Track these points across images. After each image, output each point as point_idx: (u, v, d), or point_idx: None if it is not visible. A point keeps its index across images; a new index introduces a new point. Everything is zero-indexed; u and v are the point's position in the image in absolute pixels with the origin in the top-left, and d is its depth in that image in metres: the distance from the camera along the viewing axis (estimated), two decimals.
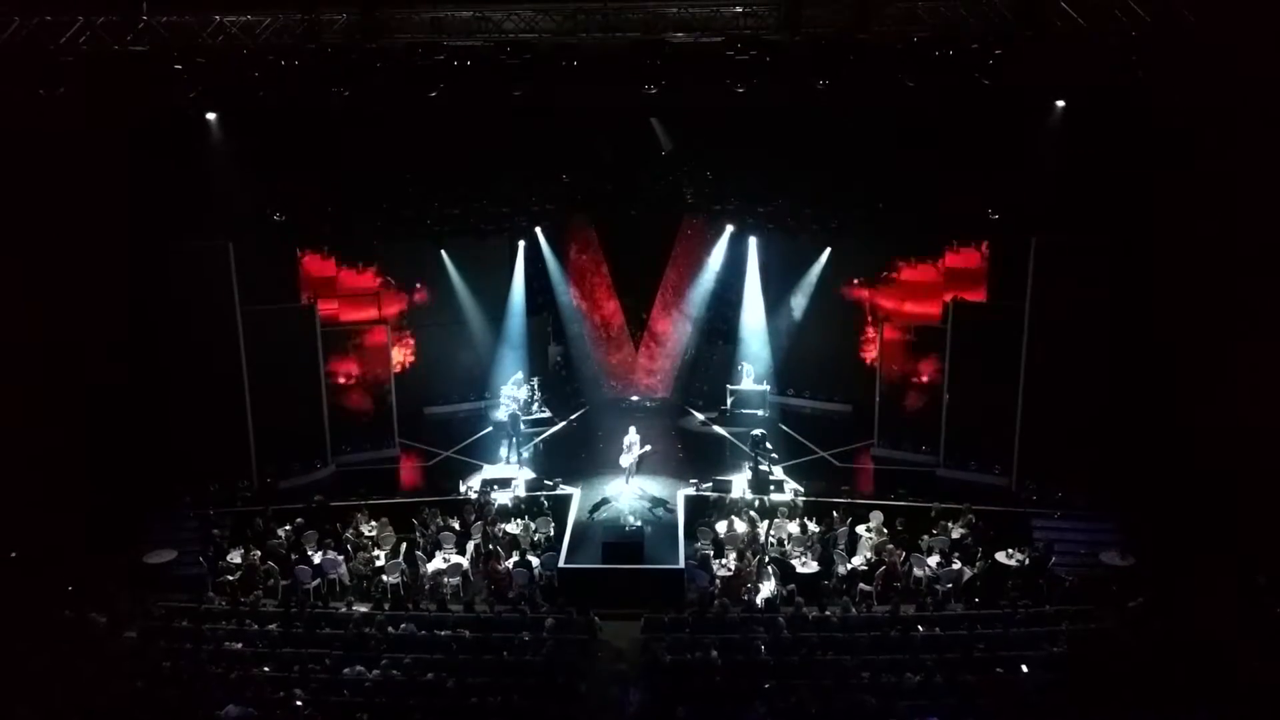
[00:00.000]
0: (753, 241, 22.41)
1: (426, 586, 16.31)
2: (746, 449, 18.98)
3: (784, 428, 21.26)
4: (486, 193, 20.73)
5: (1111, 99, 16.09)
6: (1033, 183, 17.67)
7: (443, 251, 21.81)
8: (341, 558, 16.61)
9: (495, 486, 18.46)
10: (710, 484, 18.56)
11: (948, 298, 19.86)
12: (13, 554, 15.77)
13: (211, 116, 17.84)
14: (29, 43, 14.30)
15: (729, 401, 22.02)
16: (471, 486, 18.71)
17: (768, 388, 22.08)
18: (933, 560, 16.33)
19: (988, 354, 18.93)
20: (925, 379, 20.04)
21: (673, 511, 17.91)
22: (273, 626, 14.34)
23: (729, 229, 22.22)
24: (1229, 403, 16.55)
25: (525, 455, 20.04)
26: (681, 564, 16.28)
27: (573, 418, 22.54)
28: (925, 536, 16.96)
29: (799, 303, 22.59)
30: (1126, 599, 14.76)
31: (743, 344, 22.79)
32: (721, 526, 17.17)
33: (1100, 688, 12.54)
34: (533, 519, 17.64)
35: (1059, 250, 17.89)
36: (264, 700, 12.22)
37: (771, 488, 18.11)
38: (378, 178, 19.74)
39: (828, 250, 21.79)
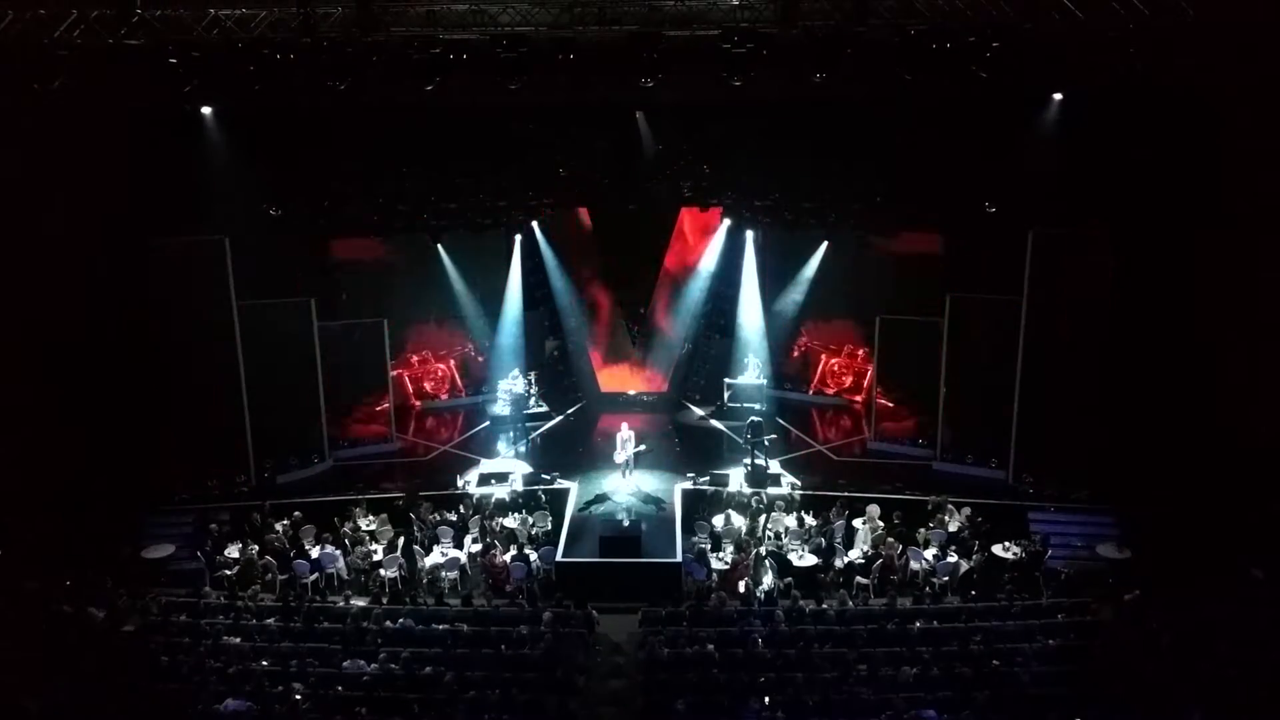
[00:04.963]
0: (750, 235, 22.37)
1: (424, 580, 16.32)
2: (744, 432, 18.98)
3: (781, 421, 21.27)
4: (483, 187, 20.67)
5: (1109, 92, 16.07)
6: (1030, 176, 17.65)
7: (439, 246, 21.77)
8: (339, 552, 16.62)
9: (493, 480, 18.48)
10: (707, 478, 18.55)
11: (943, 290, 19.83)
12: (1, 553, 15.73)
13: (207, 110, 17.79)
14: (23, 37, 14.23)
15: (726, 395, 22.00)
16: (469, 481, 18.72)
17: (765, 381, 22.08)
18: (929, 553, 16.36)
19: (985, 348, 18.93)
20: (921, 373, 20.01)
21: (669, 505, 17.91)
22: (271, 621, 14.35)
23: (726, 222, 22.16)
24: (1227, 395, 16.57)
25: (523, 449, 20.02)
26: (679, 558, 16.31)
27: (570, 412, 22.53)
28: (922, 530, 16.98)
29: (796, 296, 22.59)
30: (1123, 591, 14.79)
31: (740, 338, 22.78)
32: (719, 520, 17.19)
33: (1096, 680, 12.56)
34: (530, 513, 17.65)
35: (1056, 243, 17.90)
36: (262, 694, 12.24)
37: (769, 481, 18.14)
38: (374, 172, 19.67)
39: (824, 244, 21.76)
